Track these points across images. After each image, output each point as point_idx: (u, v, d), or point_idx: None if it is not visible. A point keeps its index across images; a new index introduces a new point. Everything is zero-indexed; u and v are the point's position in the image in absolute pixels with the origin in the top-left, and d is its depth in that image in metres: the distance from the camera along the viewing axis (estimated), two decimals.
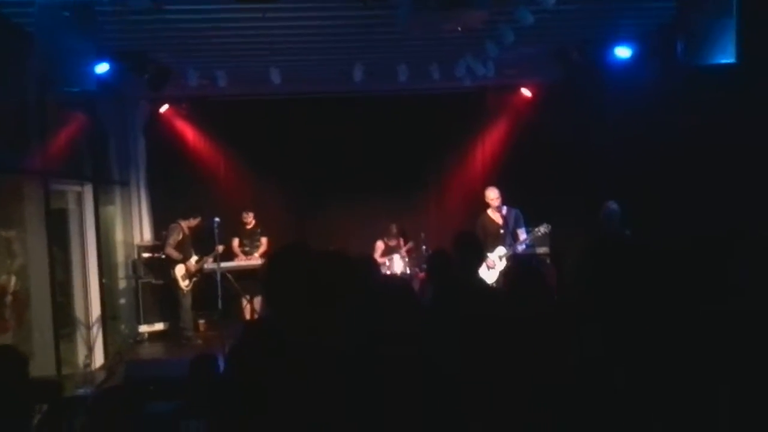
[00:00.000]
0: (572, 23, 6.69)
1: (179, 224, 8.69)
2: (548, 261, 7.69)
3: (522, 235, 7.50)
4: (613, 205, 6.65)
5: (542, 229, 7.39)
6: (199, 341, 8.57)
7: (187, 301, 8.68)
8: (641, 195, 7.20)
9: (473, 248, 4.11)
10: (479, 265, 4.40)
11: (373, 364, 2.32)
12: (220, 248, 8.13)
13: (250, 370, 2.33)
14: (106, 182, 8.70)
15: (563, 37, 7.14)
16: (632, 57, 7.17)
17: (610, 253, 2.55)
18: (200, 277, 8.73)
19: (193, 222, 8.73)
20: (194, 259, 8.69)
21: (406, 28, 5.75)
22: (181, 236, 8.66)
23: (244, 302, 8.73)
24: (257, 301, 8.54)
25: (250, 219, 9.11)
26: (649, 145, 7.35)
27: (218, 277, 7.81)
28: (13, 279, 6.34)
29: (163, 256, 8.80)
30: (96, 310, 7.80)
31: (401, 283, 2.92)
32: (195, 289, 8.74)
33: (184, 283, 8.63)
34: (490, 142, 10.19)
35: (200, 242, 8.72)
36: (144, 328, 9.00)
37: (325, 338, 2.38)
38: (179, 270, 8.60)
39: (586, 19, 6.60)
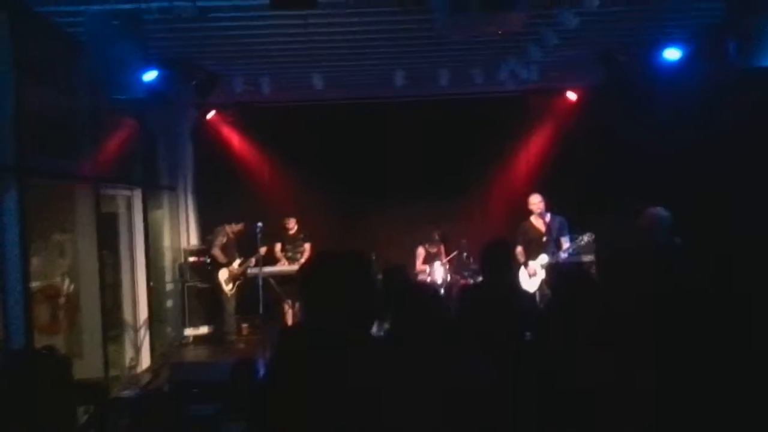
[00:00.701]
0: (617, 25, 6.54)
1: (224, 228, 8.86)
2: (593, 270, 7.51)
3: (565, 243, 7.33)
4: (663, 212, 6.39)
5: (585, 237, 7.20)
6: (242, 345, 8.67)
7: (231, 305, 8.80)
8: (691, 200, 6.97)
9: (498, 256, 4.11)
10: (504, 271, 4.35)
11: (407, 366, 2.31)
12: (263, 250, 8.24)
13: (288, 374, 2.34)
14: (154, 187, 8.90)
15: (608, 40, 6.97)
16: (681, 58, 6.97)
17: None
18: (243, 282, 8.85)
19: (236, 227, 8.87)
20: (237, 262, 8.81)
21: (445, 32, 5.70)
22: (225, 239, 8.82)
23: (286, 307, 8.81)
24: (299, 305, 8.60)
25: (292, 224, 9.15)
26: (699, 149, 7.14)
27: (260, 281, 7.89)
28: (66, 281, 6.54)
29: (209, 260, 8.95)
30: (143, 313, 7.96)
31: (429, 292, 2.93)
32: (238, 293, 8.86)
33: (227, 287, 8.75)
34: (533, 147, 10.01)
35: (243, 247, 8.84)
36: (189, 331, 9.12)
37: (361, 342, 2.37)
38: (222, 274, 8.74)
39: (631, 21, 6.44)
